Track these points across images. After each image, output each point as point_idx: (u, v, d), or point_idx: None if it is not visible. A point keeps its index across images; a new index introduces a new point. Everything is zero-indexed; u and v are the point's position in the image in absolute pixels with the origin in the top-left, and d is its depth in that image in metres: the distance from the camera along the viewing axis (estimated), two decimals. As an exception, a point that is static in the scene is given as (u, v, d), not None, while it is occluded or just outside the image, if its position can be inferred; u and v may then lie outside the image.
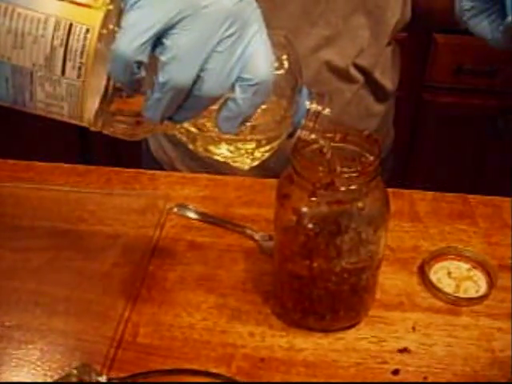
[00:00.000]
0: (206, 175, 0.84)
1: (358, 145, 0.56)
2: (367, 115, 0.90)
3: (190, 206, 0.77)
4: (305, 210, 0.55)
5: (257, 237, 0.72)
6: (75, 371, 0.41)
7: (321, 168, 0.53)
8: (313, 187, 0.53)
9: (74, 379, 0.41)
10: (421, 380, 0.57)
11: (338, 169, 0.52)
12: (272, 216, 0.60)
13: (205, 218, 0.76)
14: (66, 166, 0.86)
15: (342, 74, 0.83)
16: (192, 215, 0.76)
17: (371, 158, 0.54)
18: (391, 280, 0.68)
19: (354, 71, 0.84)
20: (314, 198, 0.54)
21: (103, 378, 0.41)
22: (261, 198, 0.79)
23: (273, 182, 0.60)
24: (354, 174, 0.52)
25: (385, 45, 0.86)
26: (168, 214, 0.77)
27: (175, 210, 0.77)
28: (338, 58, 0.82)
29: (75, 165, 0.87)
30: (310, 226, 0.54)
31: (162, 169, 0.95)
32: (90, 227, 0.75)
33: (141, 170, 0.85)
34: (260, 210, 0.77)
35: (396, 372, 0.58)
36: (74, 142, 1.76)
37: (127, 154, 1.71)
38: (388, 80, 0.90)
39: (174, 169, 0.94)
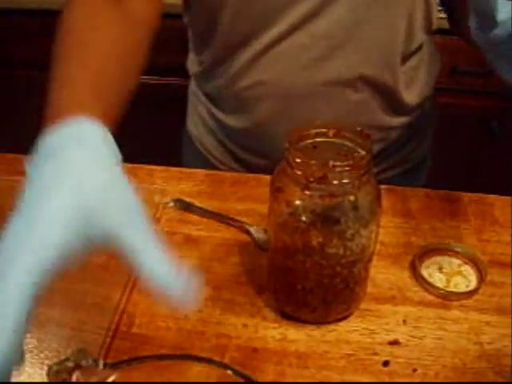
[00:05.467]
0: (202, 170, 0.85)
1: (351, 140, 0.57)
2: (373, 127, 0.86)
3: (186, 201, 0.78)
4: (298, 203, 0.56)
5: (251, 231, 0.73)
6: (72, 357, 0.42)
7: (314, 162, 0.54)
8: (306, 181, 0.54)
9: (70, 364, 0.42)
10: (410, 371, 0.58)
11: (331, 163, 0.53)
12: (267, 211, 0.61)
13: (200, 212, 0.77)
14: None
15: (348, 84, 0.81)
16: (188, 209, 0.77)
17: (363, 153, 0.55)
18: (383, 274, 0.69)
19: (359, 82, 0.81)
20: (307, 192, 0.55)
21: (100, 363, 0.42)
22: (256, 194, 0.80)
23: (268, 178, 0.61)
24: (347, 168, 0.53)
25: (399, 55, 0.82)
26: (164, 208, 0.78)
27: (171, 204, 0.78)
28: (343, 68, 0.80)
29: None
30: (303, 218, 0.55)
31: (200, 155, 0.98)
32: (88, 220, 0.76)
33: (138, 165, 0.85)
34: (255, 204, 0.78)
35: (386, 363, 0.59)
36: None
37: (125, 148, 1.72)
38: (409, 92, 0.87)
39: (211, 154, 0.96)
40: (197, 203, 0.78)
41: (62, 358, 0.42)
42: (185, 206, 0.77)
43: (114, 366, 0.42)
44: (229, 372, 0.43)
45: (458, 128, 1.46)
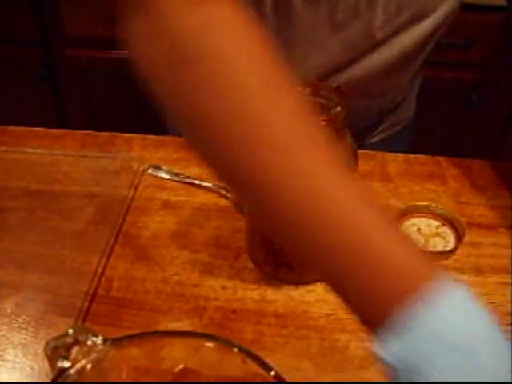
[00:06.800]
0: (181, 138, 0.84)
1: (327, 97, 0.57)
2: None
3: (164, 167, 0.77)
4: (274, 160, 0.55)
5: (230, 195, 0.73)
6: (71, 331, 0.41)
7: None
8: (282, 138, 0.54)
9: (69, 340, 0.41)
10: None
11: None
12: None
13: (179, 178, 0.76)
14: (40, 130, 0.86)
15: None
16: (166, 176, 0.77)
17: (339, 109, 0.55)
18: (362, 236, 0.69)
19: None
20: (283, 149, 0.54)
21: (99, 339, 0.41)
22: (235, 160, 0.79)
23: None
24: (323, 123, 0.53)
25: None
26: (142, 175, 0.77)
27: (149, 170, 0.77)
28: None
29: (50, 129, 0.87)
30: (280, 176, 0.55)
31: None
32: (65, 188, 0.75)
33: (116, 134, 0.85)
34: (234, 170, 0.77)
35: (364, 322, 0.60)
36: (49, 107, 1.75)
37: (103, 118, 1.70)
38: None
39: None
40: (175, 169, 0.78)
41: (61, 333, 0.41)
42: (163, 173, 0.77)
43: (113, 342, 0.41)
44: (235, 350, 0.41)
45: (439, 99, 1.46)
